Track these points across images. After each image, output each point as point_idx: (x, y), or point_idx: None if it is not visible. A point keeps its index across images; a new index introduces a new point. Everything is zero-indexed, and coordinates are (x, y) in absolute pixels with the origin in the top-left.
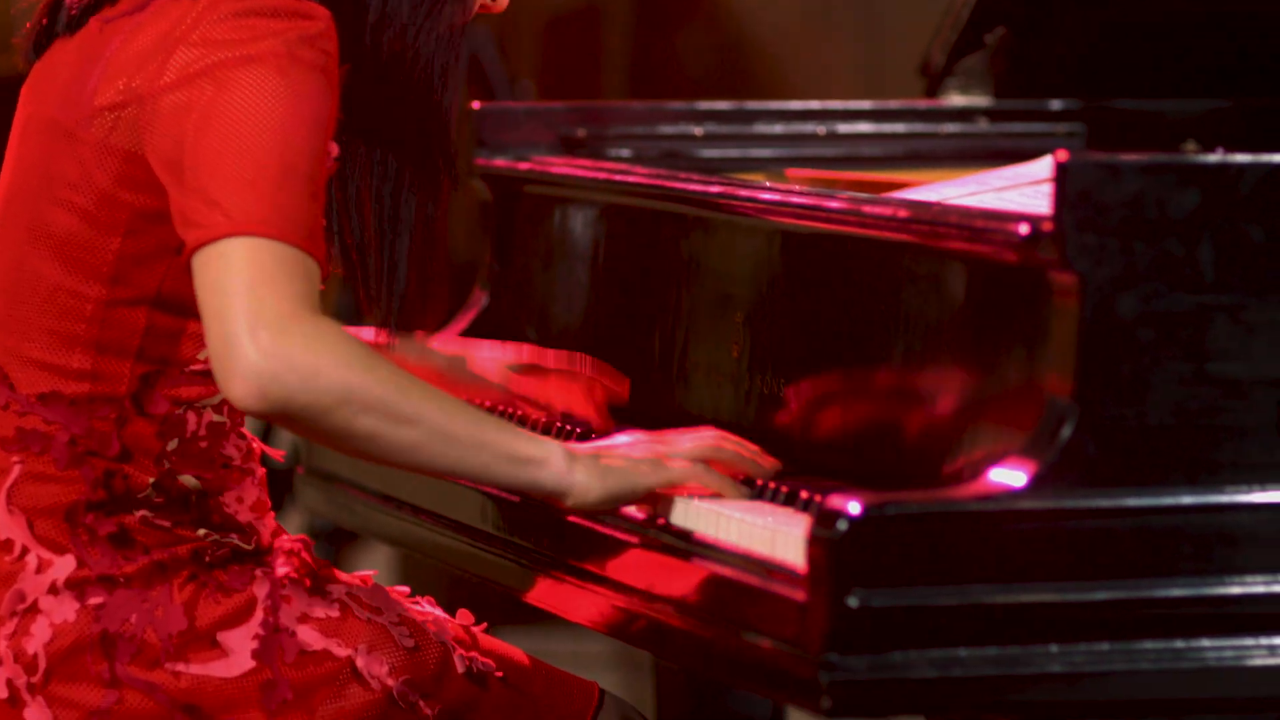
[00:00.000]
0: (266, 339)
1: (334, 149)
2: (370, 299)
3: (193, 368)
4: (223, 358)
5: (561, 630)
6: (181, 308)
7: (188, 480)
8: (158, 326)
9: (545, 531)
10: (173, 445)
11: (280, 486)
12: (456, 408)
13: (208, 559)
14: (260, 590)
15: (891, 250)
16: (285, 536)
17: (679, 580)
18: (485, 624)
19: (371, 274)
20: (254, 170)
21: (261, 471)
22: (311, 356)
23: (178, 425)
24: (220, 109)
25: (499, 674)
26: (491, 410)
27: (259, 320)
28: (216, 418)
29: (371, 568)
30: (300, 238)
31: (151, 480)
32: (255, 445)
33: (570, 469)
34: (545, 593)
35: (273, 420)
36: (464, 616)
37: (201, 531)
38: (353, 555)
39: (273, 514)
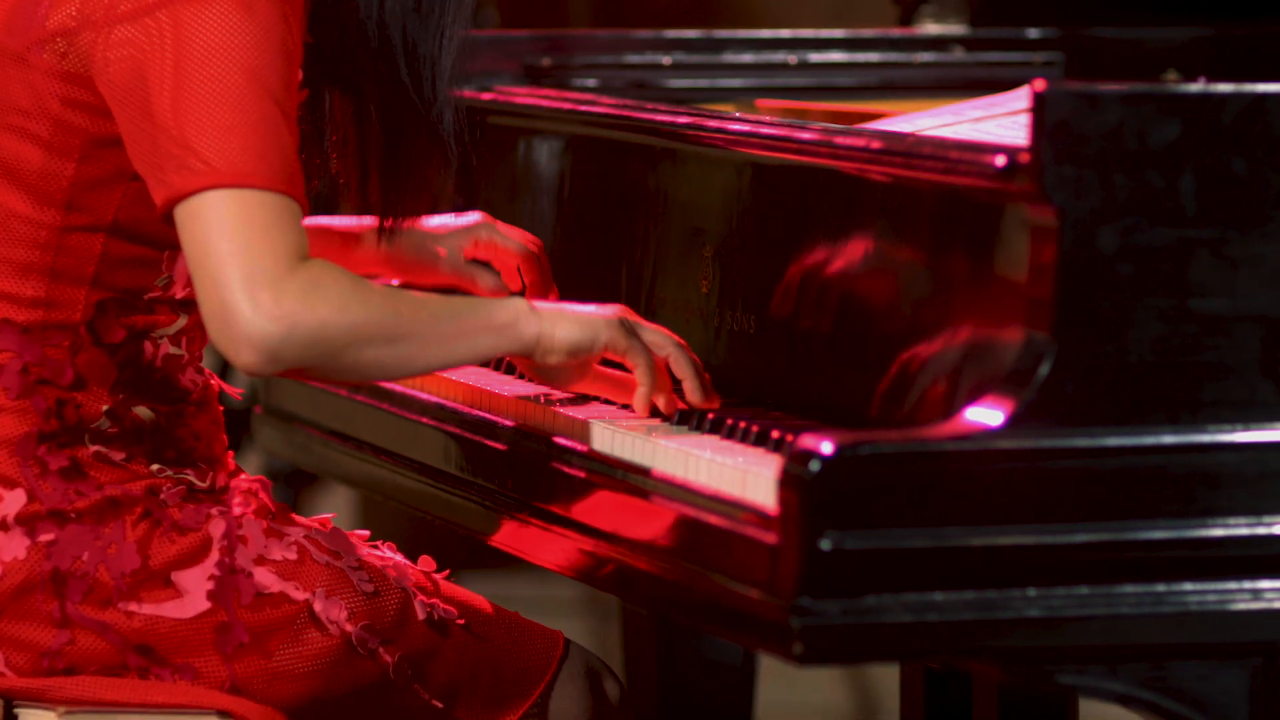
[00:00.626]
0: (268, 302)
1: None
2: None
3: (150, 295)
4: (224, 325)
5: (526, 575)
6: (138, 235)
7: (142, 411)
8: (113, 254)
9: (509, 472)
10: (128, 374)
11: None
12: (438, 306)
13: (162, 496)
14: (216, 530)
15: (864, 183)
16: (243, 476)
17: (646, 522)
18: (448, 570)
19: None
20: (230, 115)
21: (219, 408)
22: (314, 310)
23: (133, 354)
24: (186, 50)
25: (461, 621)
26: (452, 290)
27: (256, 284)
28: (174, 349)
29: (332, 511)
30: (283, 182)
31: (105, 409)
32: (214, 382)
33: (536, 322)
34: (509, 535)
35: (282, 375)
36: (425, 563)
37: (155, 467)
38: (312, 498)
39: (231, 453)
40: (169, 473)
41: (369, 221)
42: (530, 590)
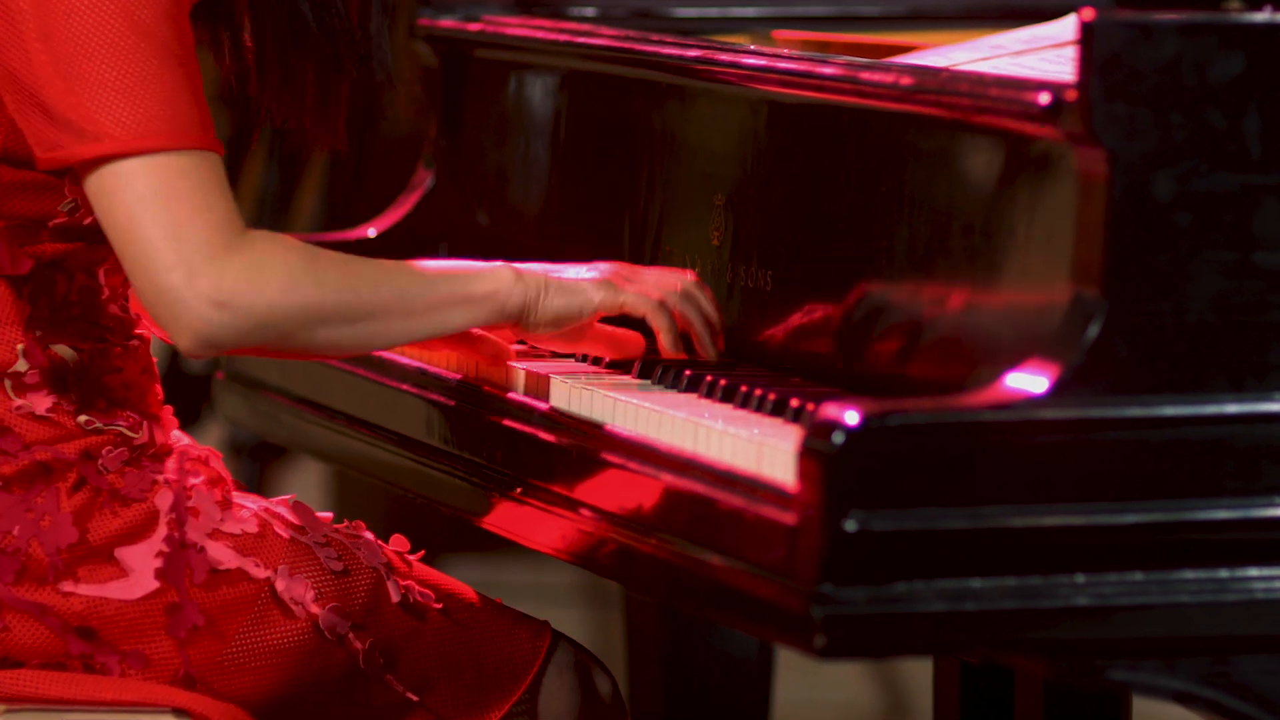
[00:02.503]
0: (207, 285)
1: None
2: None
3: (56, 222)
4: (160, 310)
5: (518, 559)
6: (26, 161)
7: (62, 350)
8: (4, 181)
9: (500, 444)
10: (41, 310)
11: (197, 393)
12: (405, 278)
13: (101, 462)
14: (163, 502)
15: (893, 123)
16: (191, 443)
17: (652, 499)
18: (422, 552)
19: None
20: (120, 73)
21: (151, 359)
22: (259, 291)
23: (45, 287)
24: (51, 7)
25: (438, 606)
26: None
27: (192, 265)
28: (89, 281)
29: (302, 488)
30: (196, 136)
31: (20, 347)
32: (145, 332)
33: (521, 291)
34: (501, 516)
35: (230, 354)
36: (398, 542)
37: (83, 418)
38: (280, 473)
39: (169, 409)
40: (98, 424)
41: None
42: (522, 576)
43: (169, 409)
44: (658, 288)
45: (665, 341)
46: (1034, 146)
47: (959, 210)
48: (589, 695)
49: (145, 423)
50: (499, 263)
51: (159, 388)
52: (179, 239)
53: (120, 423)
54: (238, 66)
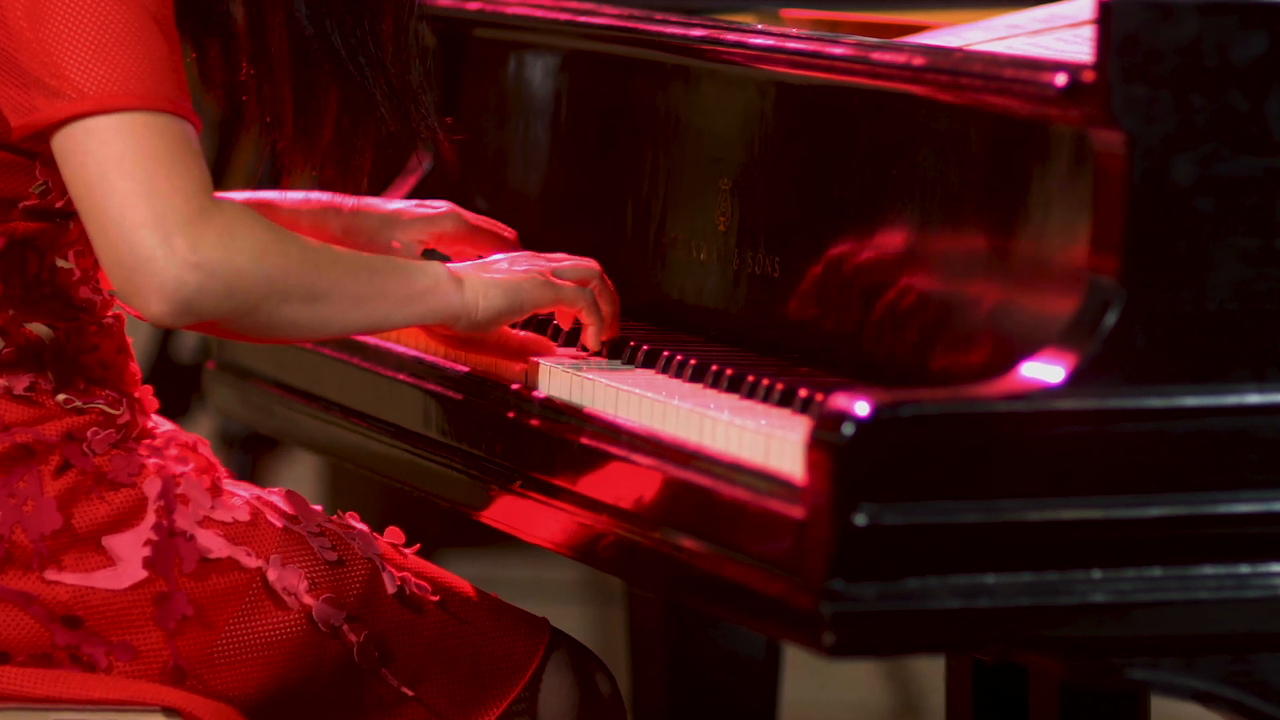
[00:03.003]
0: (183, 247)
1: None
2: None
3: (27, 204)
4: (131, 272)
5: (517, 554)
6: (2, 141)
7: (38, 328)
8: None
9: (499, 436)
10: (14, 289)
11: (187, 384)
12: (358, 266)
13: (85, 445)
14: (151, 488)
15: (905, 105)
16: (176, 429)
17: (656, 492)
18: (418, 545)
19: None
20: (99, 34)
21: (126, 338)
22: (232, 258)
23: (17, 265)
24: None
25: (435, 598)
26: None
27: (168, 225)
28: (62, 263)
29: (295, 481)
30: (171, 100)
31: None
32: (118, 309)
33: (457, 288)
34: (499, 509)
35: (190, 329)
36: (393, 534)
37: (62, 397)
38: (273, 466)
39: (148, 389)
40: (78, 404)
41: (319, 198)
42: (521, 572)
43: (148, 389)
44: (582, 280)
45: (595, 337)
46: (1050, 129)
47: (973, 195)
48: (588, 694)
49: (124, 401)
50: (429, 261)
51: (135, 367)
52: (154, 196)
53: (100, 401)
54: (228, 80)
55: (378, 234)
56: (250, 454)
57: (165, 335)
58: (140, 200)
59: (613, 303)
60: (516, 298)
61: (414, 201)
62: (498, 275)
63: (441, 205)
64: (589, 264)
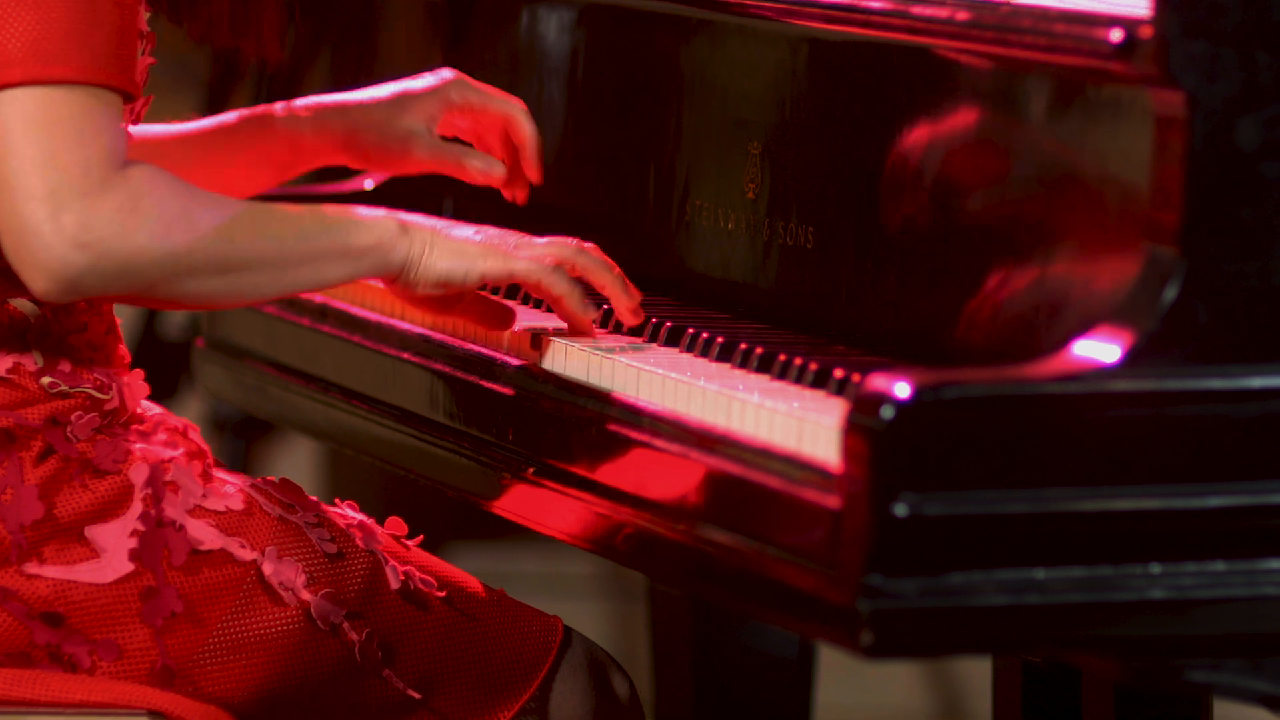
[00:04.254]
0: (72, 226)
1: None
2: None
3: None
4: (18, 243)
5: (530, 547)
6: None
7: (21, 305)
8: None
9: (512, 419)
10: None
11: (174, 364)
12: (284, 227)
13: (69, 430)
14: (138, 475)
15: (947, 64)
16: (165, 413)
17: (680, 480)
18: (421, 537)
19: None
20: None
21: (115, 318)
22: (129, 237)
23: None
24: None
25: (441, 594)
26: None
27: (60, 202)
28: None
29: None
30: (102, 70)
31: None
32: None
33: (405, 246)
34: (512, 498)
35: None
36: (395, 525)
37: (46, 380)
38: (267, 452)
39: (139, 373)
40: (64, 387)
41: (318, 101)
42: (535, 566)
43: (139, 373)
44: (549, 254)
45: (571, 306)
46: (1104, 89)
47: (1020, 160)
48: (604, 698)
49: (113, 385)
50: (382, 211)
51: (124, 349)
52: (50, 168)
53: (87, 384)
54: None
55: (388, 125)
56: (243, 439)
57: (151, 311)
58: (36, 170)
59: (607, 268)
60: (463, 262)
61: (412, 79)
62: (453, 237)
63: (445, 73)
64: (564, 240)
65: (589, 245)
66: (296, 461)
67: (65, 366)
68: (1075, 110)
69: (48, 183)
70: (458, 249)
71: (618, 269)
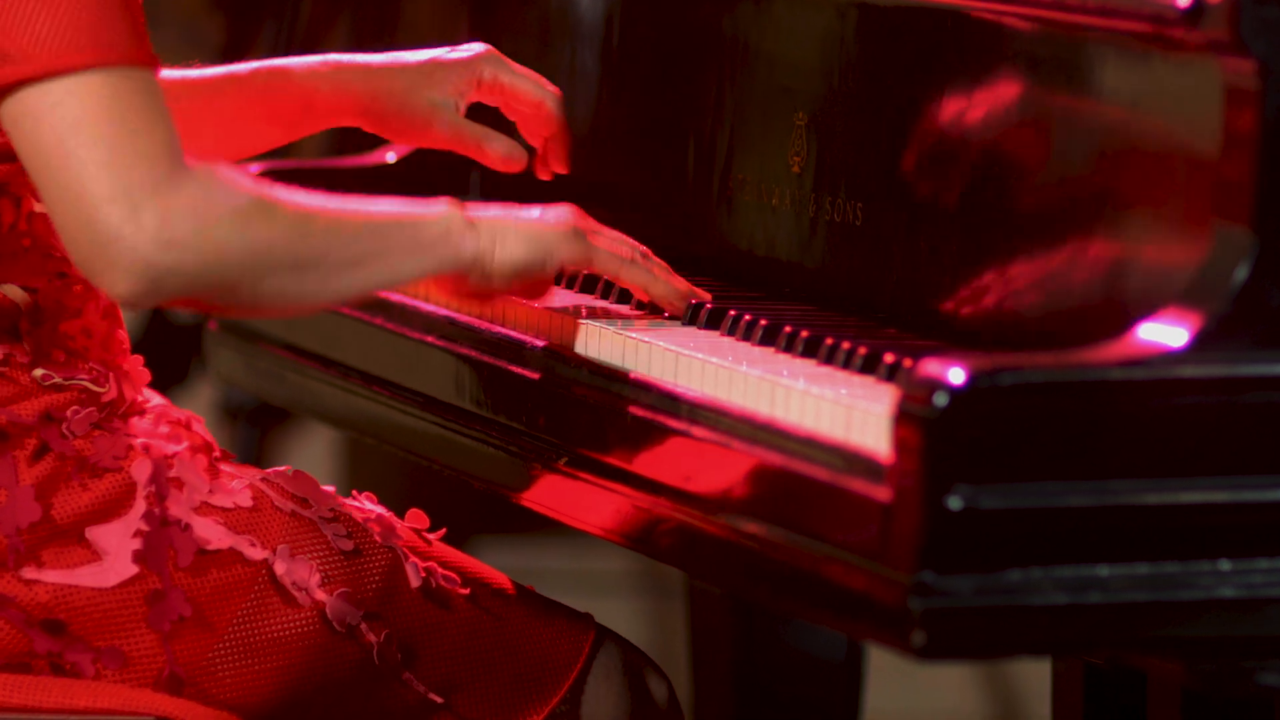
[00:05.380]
0: (152, 222)
1: None
2: None
3: None
4: (93, 252)
5: (561, 542)
6: None
7: (11, 291)
8: None
9: (543, 407)
10: None
11: (184, 349)
12: (355, 223)
13: (65, 427)
14: (140, 471)
15: (1002, 30)
16: (167, 404)
17: (720, 471)
18: (444, 530)
19: None
20: None
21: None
22: (210, 232)
23: None
24: None
25: (464, 592)
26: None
27: (134, 197)
28: (41, 208)
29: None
30: (127, 48)
31: None
32: None
33: (472, 235)
34: (542, 490)
35: (167, 306)
36: (415, 518)
37: (39, 373)
38: (283, 441)
39: (138, 359)
40: (57, 379)
41: (340, 59)
42: (566, 562)
43: (138, 359)
44: (624, 243)
45: (657, 290)
46: (1170, 57)
47: (1081, 131)
48: (640, 701)
49: (111, 375)
50: (443, 204)
51: (124, 333)
52: (118, 167)
53: (82, 376)
54: None
55: (411, 94)
56: (257, 427)
57: None
58: (102, 171)
59: (666, 283)
60: (540, 248)
61: (444, 49)
62: (522, 222)
63: (477, 47)
64: (633, 241)
65: (646, 250)
66: (313, 451)
67: (59, 356)
68: (1139, 79)
69: (118, 183)
70: (529, 234)
71: (673, 279)
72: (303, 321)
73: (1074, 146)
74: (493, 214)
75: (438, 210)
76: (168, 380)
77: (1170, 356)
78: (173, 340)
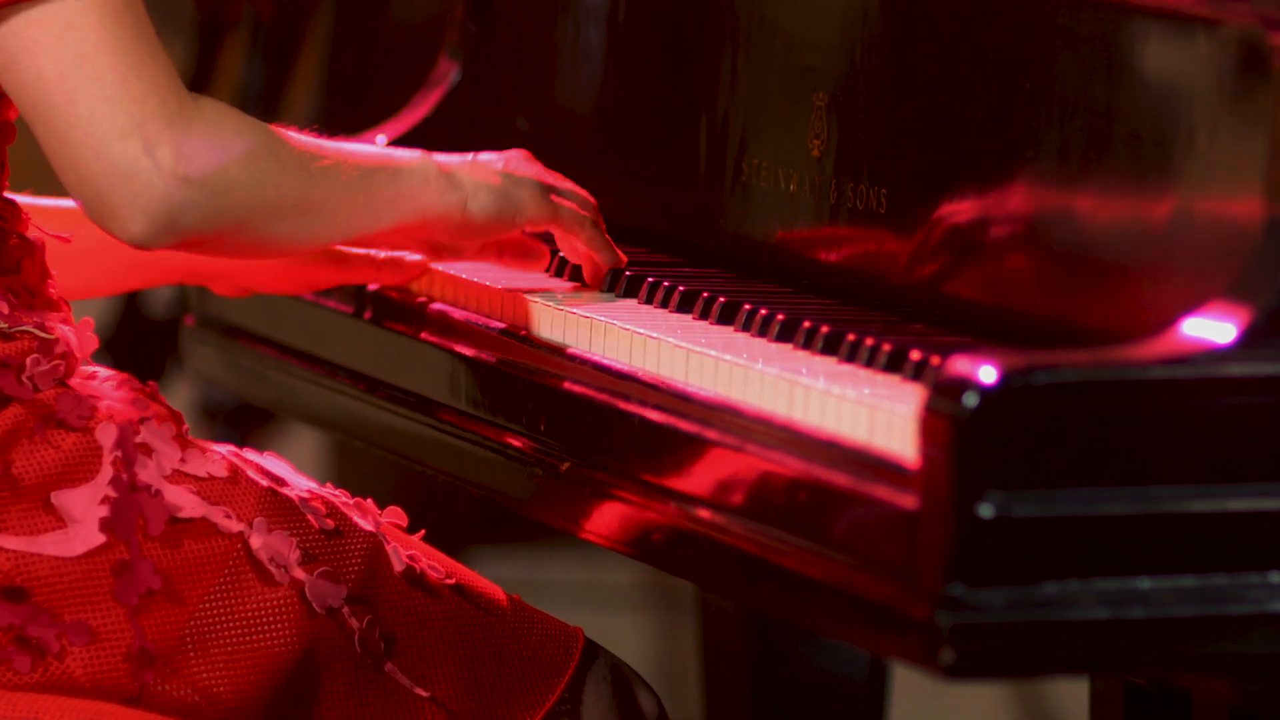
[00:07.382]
0: (169, 158)
1: None
2: None
3: None
4: (106, 188)
5: (564, 552)
6: None
7: None
8: None
9: (544, 408)
10: None
11: (160, 344)
12: (349, 168)
13: (25, 373)
14: (106, 436)
15: (1040, 4)
16: (125, 376)
17: (734, 477)
18: (424, 531)
19: None
20: None
21: (44, 259)
22: (220, 165)
23: None
24: None
25: (450, 582)
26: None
27: (148, 130)
28: None
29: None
30: None
31: None
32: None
33: (448, 187)
34: (545, 497)
35: (173, 249)
36: (394, 514)
37: None
38: (266, 444)
39: (89, 323)
40: (2, 326)
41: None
42: (570, 573)
43: (88, 321)
44: (585, 202)
45: (604, 259)
46: (1219, 31)
47: (1122, 113)
48: (629, 717)
49: (58, 330)
50: (417, 153)
51: (66, 304)
52: (131, 99)
53: (27, 325)
54: None
55: None
56: (238, 429)
57: None
58: (114, 106)
59: (612, 251)
60: (510, 205)
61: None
62: (495, 175)
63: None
64: (587, 196)
65: (592, 200)
66: (298, 454)
67: (2, 307)
68: (1183, 58)
69: (132, 116)
70: (500, 191)
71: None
72: (287, 316)
73: (1114, 129)
74: (462, 162)
75: (414, 157)
76: (141, 379)
77: (1216, 354)
78: (148, 335)
